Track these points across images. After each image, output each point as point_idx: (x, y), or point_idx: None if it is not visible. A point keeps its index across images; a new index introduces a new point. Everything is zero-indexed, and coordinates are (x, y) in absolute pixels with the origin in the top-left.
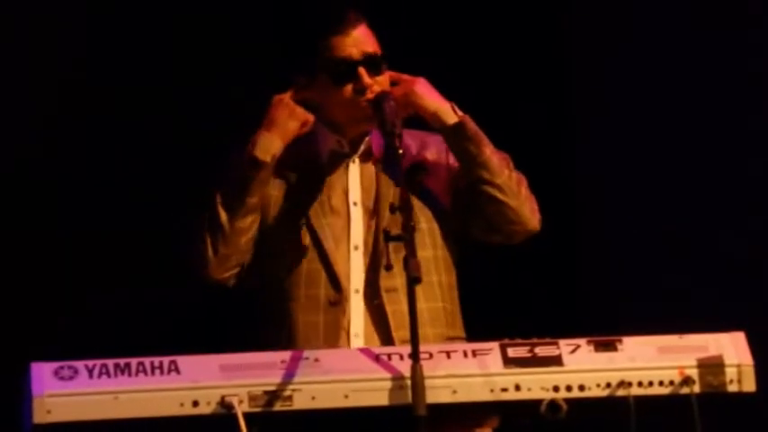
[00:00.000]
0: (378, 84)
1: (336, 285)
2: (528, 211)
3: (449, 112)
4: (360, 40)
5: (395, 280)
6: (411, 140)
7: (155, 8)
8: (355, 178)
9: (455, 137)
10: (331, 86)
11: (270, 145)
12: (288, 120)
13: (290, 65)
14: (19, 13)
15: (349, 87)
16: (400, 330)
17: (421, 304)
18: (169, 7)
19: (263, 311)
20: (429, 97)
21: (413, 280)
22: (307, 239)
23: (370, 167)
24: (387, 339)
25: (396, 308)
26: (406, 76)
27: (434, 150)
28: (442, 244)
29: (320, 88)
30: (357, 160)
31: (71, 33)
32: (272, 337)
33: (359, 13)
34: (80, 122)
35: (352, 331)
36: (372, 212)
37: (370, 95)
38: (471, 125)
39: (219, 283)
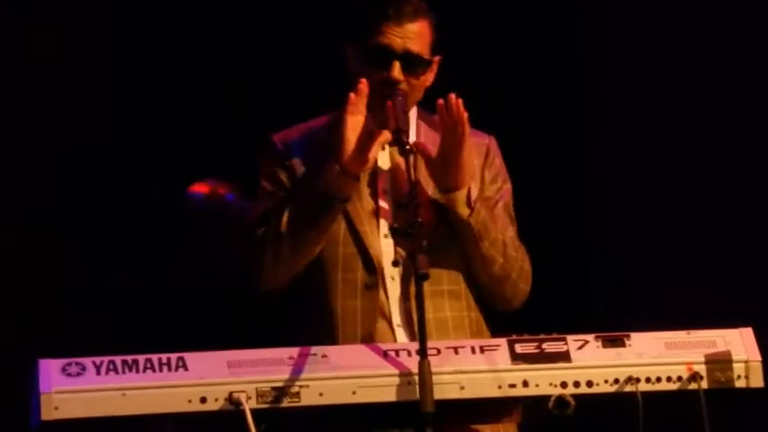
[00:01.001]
0: (409, 84)
1: (371, 268)
2: (509, 295)
3: (462, 200)
4: (410, 35)
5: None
6: None
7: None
8: (385, 165)
9: (459, 228)
10: (364, 68)
11: (345, 183)
12: (363, 150)
13: (342, 34)
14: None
15: (377, 76)
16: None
17: (445, 312)
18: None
19: (298, 299)
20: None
21: (420, 276)
22: (342, 224)
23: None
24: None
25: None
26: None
27: (474, 155)
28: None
29: (355, 64)
30: (387, 147)
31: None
32: (309, 323)
33: (429, 11)
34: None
35: (395, 321)
36: (400, 203)
37: (361, 89)
38: (477, 225)
39: (268, 293)
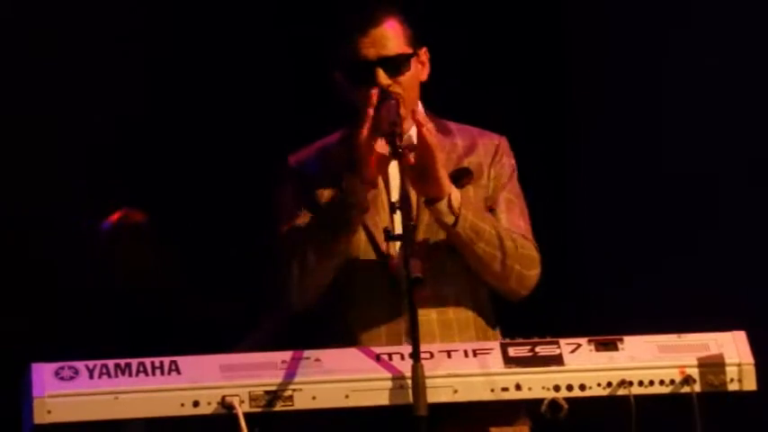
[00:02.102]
0: (399, 84)
1: (393, 282)
2: (516, 286)
3: (445, 210)
4: (380, 40)
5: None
6: (461, 139)
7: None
8: (395, 177)
9: (450, 236)
10: (353, 87)
11: (362, 192)
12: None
13: (328, 63)
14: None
15: (366, 88)
16: (426, 338)
17: (449, 315)
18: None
19: (321, 310)
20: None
21: (413, 280)
22: (363, 236)
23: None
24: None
25: (422, 318)
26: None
27: (481, 155)
28: None
29: (346, 88)
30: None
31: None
32: (330, 337)
33: (393, 9)
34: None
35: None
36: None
37: (373, 101)
38: (464, 231)
39: (301, 310)
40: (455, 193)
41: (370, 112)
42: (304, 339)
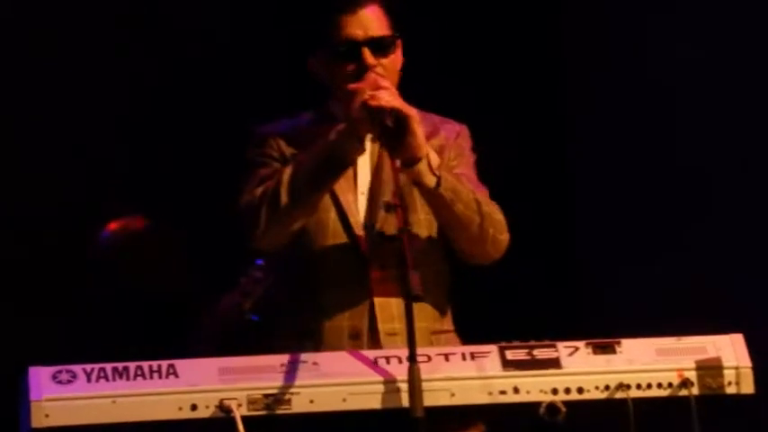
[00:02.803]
0: (382, 66)
1: (363, 258)
2: (491, 249)
3: (426, 170)
4: (367, 21)
5: (386, 272)
6: (423, 125)
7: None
8: (365, 163)
9: (430, 199)
10: (335, 66)
11: (352, 146)
12: (364, 128)
13: (304, 41)
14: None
15: (350, 67)
16: (386, 323)
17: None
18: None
19: (288, 283)
20: (416, 141)
21: (413, 298)
22: (332, 213)
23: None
24: (373, 331)
25: (382, 300)
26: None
27: (443, 138)
28: (437, 236)
29: (326, 67)
30: (368, 145)
31: None
32: (298, 310)
33: None
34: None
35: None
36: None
37: (366, 98)
38: (446, 192)
39: (262, 251)
40: (432, 154)
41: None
42: (257, 329)
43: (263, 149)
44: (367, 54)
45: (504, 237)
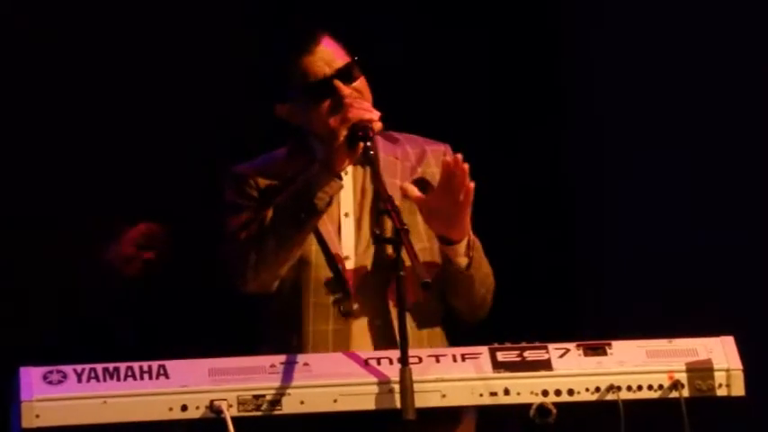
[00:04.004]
0: (355, 90)
1: (347, 292)
2: (482, 313)
3: (462, 252)
4: (327, 55)
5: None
6: (410, 147)
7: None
8: (348, 188)
9: (454, 275)
10: (311, 107)
11: (330, 189)
12: (345, 156)
13: (266, 93)
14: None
15: (327, 103)
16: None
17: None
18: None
19: (272, 316)
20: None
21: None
22: (314, 246)
23: (366, 172)
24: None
25: (362, 329)
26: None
27: (432, 165)
28: (438, 265)
29: (301, 110)
30: (350, 169)
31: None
32: (281, 342)
33: (321, 26)
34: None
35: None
36: (360, 221)
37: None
38: (474, 272)
39: (251, 295)
40: (472, 236)
41: (348, 100)
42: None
43: (242, 190)
44: (340, 86)
45: (491, 299)
